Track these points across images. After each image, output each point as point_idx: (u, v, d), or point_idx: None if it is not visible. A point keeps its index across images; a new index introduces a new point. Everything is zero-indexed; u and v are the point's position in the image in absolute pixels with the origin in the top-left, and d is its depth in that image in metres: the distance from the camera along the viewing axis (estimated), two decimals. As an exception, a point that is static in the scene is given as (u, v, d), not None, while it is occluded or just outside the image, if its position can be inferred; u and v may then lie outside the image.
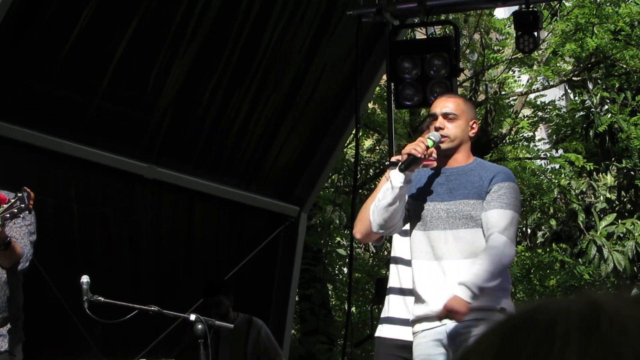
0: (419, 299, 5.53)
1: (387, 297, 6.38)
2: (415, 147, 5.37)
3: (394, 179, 5.44)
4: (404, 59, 9.22)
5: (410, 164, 5.30)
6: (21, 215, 5.97)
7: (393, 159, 6.04)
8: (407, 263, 6.02)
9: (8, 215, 5.79)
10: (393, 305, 6.27)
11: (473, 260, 5.45)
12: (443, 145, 5.45)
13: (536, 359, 0.88)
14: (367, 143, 16.56)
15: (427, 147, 5.34)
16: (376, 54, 10.03)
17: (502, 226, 5.43)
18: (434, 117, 5.59)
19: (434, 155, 5.53)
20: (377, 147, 16.62)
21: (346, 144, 12.75)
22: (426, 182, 5.59)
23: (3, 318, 6.29)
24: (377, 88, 12.47)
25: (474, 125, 5.68)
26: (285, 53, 9.63)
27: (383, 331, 6.30)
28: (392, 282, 6.34)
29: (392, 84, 9.46)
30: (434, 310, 5.40)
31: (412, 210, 5.55)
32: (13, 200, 5.82)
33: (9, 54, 7.44)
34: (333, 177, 14.95)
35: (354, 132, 10.84)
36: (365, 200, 6.23)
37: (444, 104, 5.68)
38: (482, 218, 5.47)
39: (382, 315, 6.41)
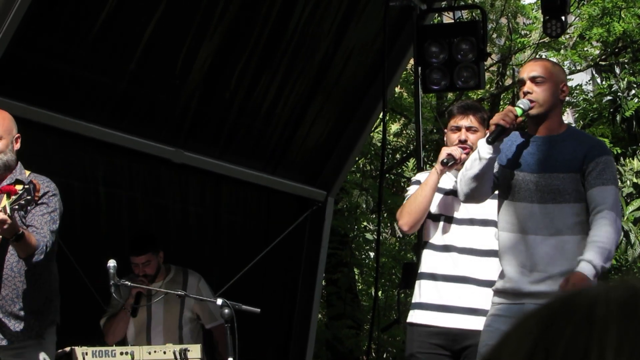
0: (501, 272, 5.51)
1: (417, 282, 6.34)
2: (504, 118, 5.35)
3: (482, 150, 5.42)
4: (431, 43, 9.37)
5: (499, 135, 5.27)
6: (29, 207, 5.97)
7: (443, 153, 6.08)
8: (438, 248, 6.10)
9: (17, 206, 5.79)
10: (425, 291, 6.23)
11: (594, 235, 5.37)
12: (532, 112, 5.39)
13: (576, 344, 0.89)
14: (394, 127, 16.66)
15: (516, 117, 5.30)
16: (403, 38, 10.08)
17: (610, 203, 5.38)
18: (522, 83, 5.53)
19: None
20: (404, 132, 16.68)
21: (373, 128, 12.82)
22: (516, 151, 5.55)
23: (20, 308, 6.24)
24: (404, 72, 12.54)
25: (565, 89, 5.59)
26: (313, 36, 9.65)
27: (415, 317, 6.24)
28: (424, 267, 6.29)
29: (420, 68, 9.68)
30: (514, 288, 5.38)
31: (501, 178, 5.52)
32: (20, 192, 5.78)
33: (36, 37, 7.52)
34: (360, 161, 15.04)
35: (380, 116, 10.86)
36: (413, 194, 6.26)
37: (532, 68, 5.61)
38: (588, 196, 5.40)
39: (414, 300, 6.39)
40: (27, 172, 6.27)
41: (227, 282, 8.56)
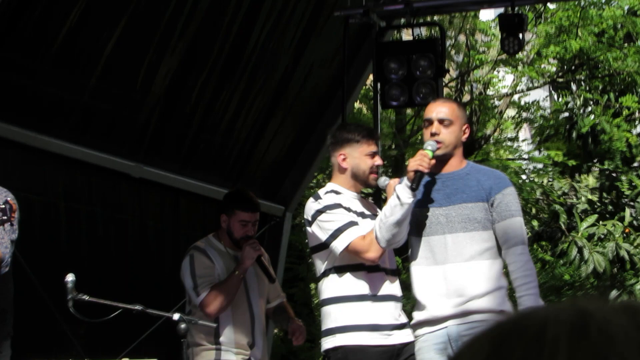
0: (419, 305, 5.58)
1: (342, 305, 6.18)
2: (421, 163, 5.43)
3: (404, 195, 5.48)
4: (390, 60, 9.34)
5: (419, 180, 5.36)
6: (2, 226, 6.02)
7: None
8: (356, 268, 6.12)
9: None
10: (356, 313, 6.19)
11: (523, 275, 5.63)
12: (438, 152, 5.48)
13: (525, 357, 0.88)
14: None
15: (430, 159, 5.37)
16: (363, 54, 10.13)
17: (521, 236, 5.64)
18: (430, 122, 5.58)
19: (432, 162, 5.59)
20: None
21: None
22: (424, 190, 5.62)
23: None
24: (364, 88, 12.67)
25: (467, 130, 5.71)
26: (273, 52, 9.70)
27: (355, 339, 6.13)
28: (349, 290, 6.16)
29: (379, 84, 9.57)
30: (435, 315, 5.46)
31: (412, 217, 5.60)
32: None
33: (-2, 51, 7.37)
34: (318, 176, 14.88)
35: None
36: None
37: (440, 110, 5.67)
38: (498, 228, 5.57)
39: (348, 323, 6.19)
40: None
41: (184, 297, 8.54)
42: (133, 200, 9.23)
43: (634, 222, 15.72)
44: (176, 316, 6.02)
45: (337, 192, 6.04)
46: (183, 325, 5.92)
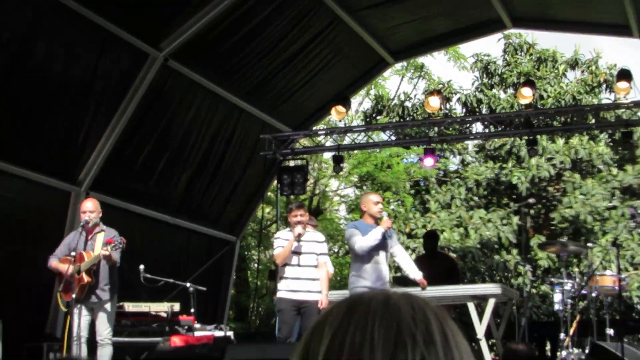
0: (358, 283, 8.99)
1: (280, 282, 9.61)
2: (389, 224, 9.02)
3: (378, 235, 8.88)
4: (284, 173, 13.92)
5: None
6: (118, 249, 8.90)
7: (387, 223, 9.43)
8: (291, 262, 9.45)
9: (115, 249, 8.80)
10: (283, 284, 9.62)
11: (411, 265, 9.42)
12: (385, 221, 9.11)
13: (361, 317, 1.13)
14: (267, 209, 21.64)
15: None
16: (273, 171, 14.60)
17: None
18: (376, 203, 9.37)
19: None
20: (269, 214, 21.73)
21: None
22: (369, 230, 9.07)
23: (106, 283, 9.16)
24: (272, 186, 16.35)
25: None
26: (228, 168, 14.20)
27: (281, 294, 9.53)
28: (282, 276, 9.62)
29: (278, 184, 14.11)
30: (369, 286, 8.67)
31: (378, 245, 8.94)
32: (116, 242, 8.84)
33: None
34: (259, 213, 19.09)
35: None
36: (275, 252, 9.61)
37: (376, 198, 9.35)
38: (393, 249, 9.29)
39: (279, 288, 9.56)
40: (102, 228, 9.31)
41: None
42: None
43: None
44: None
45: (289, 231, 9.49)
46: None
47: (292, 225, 9.47)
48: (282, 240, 9.52)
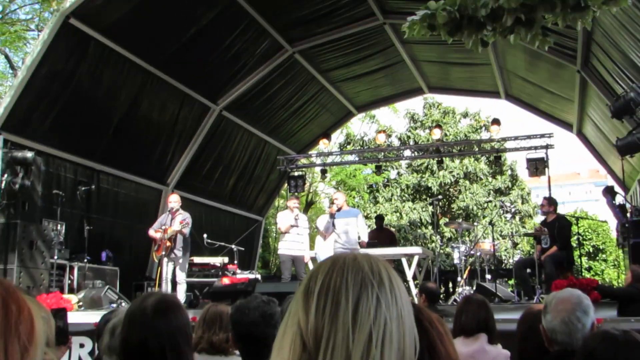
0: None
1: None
2: (331, 211, 8.30)
3: (328, 218, 8.24)
4: (291, 179, 12.84)
5: (332, 216, 8.24)
6: (187, 226, 8.50)
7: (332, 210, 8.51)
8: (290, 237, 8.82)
9: (185, 226, 8.48)
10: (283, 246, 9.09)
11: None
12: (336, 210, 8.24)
13: (340, 268, 1.02)
14: (281, 200, 19.92)
15: (336, 210, 8.21)
16: (284, 178, 13.88)
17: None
18: (332, 202, 8.25)
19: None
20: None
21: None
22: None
23: (181, 246, 8.58)
24: (285, 187, 15.17)
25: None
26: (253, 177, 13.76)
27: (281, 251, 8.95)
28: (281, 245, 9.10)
29: (288, 186, 12.99)
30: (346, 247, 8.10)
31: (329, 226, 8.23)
32: (185, 222, 8.43)
33: None
34: (277, 201, 18.18)
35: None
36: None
37: (337, 196, 8.30)
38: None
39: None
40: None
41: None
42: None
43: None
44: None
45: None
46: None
47: (289, 208, 9.33)
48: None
